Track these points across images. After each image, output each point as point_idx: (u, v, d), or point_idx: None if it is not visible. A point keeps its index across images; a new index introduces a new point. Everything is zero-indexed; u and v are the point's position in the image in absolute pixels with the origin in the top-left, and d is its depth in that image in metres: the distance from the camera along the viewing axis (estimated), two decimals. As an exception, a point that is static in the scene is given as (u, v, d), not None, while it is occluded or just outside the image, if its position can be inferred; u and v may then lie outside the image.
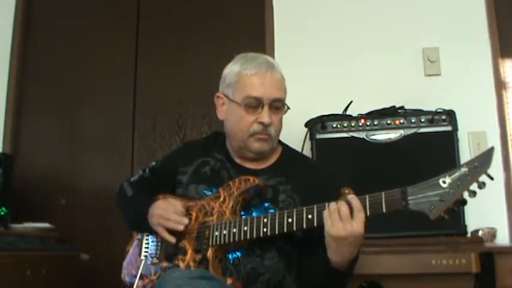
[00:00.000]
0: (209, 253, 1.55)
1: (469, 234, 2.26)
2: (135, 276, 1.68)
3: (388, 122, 2.38)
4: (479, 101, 2.64)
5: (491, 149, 1.30)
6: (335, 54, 2.80)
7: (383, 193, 1.37)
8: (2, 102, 3.03)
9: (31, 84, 3.12)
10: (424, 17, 2.77)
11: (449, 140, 2.34)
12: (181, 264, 1.57)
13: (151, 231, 1.68)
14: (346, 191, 1.50)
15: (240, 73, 1.67)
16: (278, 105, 1.67)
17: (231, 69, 1.71)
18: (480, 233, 2.30)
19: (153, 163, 1.90)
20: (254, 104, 1.64)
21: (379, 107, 2.44)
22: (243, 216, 1.59)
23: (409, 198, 1.34)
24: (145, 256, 1.71)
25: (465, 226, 2.25)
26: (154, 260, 1.67)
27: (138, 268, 1.68)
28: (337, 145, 2.38)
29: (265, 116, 1.63)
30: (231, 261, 1.56)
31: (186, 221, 1.59)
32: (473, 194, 1.29)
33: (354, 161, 2.33)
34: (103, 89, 3.07)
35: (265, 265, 1.56)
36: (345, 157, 2.34)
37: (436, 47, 2.72)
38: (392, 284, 2.06)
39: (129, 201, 1.82)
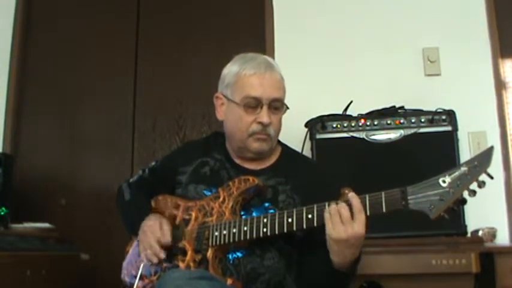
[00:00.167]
0: (209, 253, 1.55)
1: (469, 234, 2.26)
2: (135, 277, 1.68)
3: (388, 122, 2.38)
4: (479, 101, 2.64)
5: (491, 148, 1.30)
6: (335, 54, 2.80)
7: (383, 193, 1.37)
8: (2, 102, 3.03)
9: (31, 84, 3.12)
10: (424, 17, 2.77)
11: (449, 140, 2.33)
12: (181, 265, 1.56)
13: None
14: (346, 191, 1.50)
15: (238, 73, 1.67)
16: (277, 105, 1.67)
17: (230, 70, 1.71)
18: (480, 233, 2.30)
19: (153, 163, 1.90)
20: (253, 104, 1.64)
21: (379, 107, 2.43)
22: (243, 217, 1.59)
23: (409, 197, 1.34)
24: (146, 256, 1.71)
25: (465, 226, 2.24)
26: (154, 260, 1.66)
27: (138, 268, 1.68)
28: (337, 145, 2.38)
29: (264, 116, 1.63)
30: (231, 262, 1.56)
31: (162, 255, 1.57)
32: (473, 193, 1.29)
33: (354, 161, 2.33)
34: (103, 89, 3.07)
35: (265, 265, 1.55)
36: (345, 157, 2.34)
37: (436, 47, 2.72)
38: (392, 284, 2.06)
39: (126, 206, 1.82)
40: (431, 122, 2.36)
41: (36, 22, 3.19)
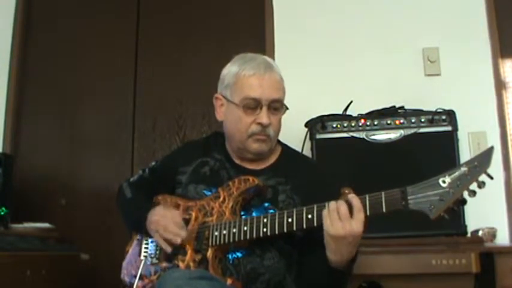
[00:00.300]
0: (209, 253, 1.55)
1: (469, 234, 2.26)
2: (135, 277, 1.68)
3: (388, 122, 2.38)
4: (479, 101, 2.64)
5: (491, 149, 1.30)
6: (335, 54, 2.80)
7: (383, 193, 1.37)
8: (2, 102, 3.03)
9: (31, 84, 3.12)
10: (424, 17, 2.77)
11: (449, 140, 2.33)
12: (181, 265, 1.57)
13: (149, 235, 1.69)
14: (346, 191, 1.50)
15: (238, 74, 1.67)
16: (277, 106, 1.67)
17: (229, 70, 1.71)
18: (480, 233, 2.30)
19: (153, 163, 1.90)
20: (252, 105, 1.64)
21: (379, 107, 2.43)
22: (243, 216, 1.59)
23: (409, 197, 1.34)
24: (145, 256, 1.71)
25: (465, 226, 2.24)
26: (154, 260, 1.67)
27: (138, 268, 1.68)
28: (337, 145, 2.38)
29: (263, 116, 1.63)
30: (231, 262, 1.56)
31: (183, 234, 1.59)
32: (473, 193, 1.29)
33: (354, 161, 2.33)
34: (103, 89, 3.07)
35: (265, 265, 1.55)
36: (345, 157, 2.34)
37: (436, 47, 2.72)
38: (392, 284, 2.05)
39: (128, 204, 1.82)
40: (431, 122, 2.36)
41: (36, 22, 3.19)
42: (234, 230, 1.53)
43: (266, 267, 1.55)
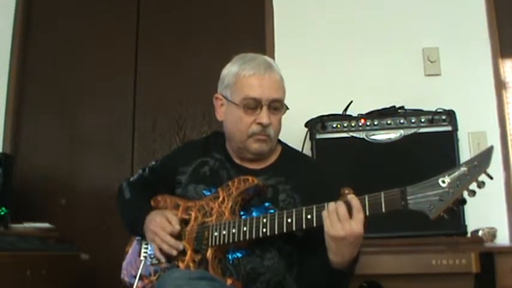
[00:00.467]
0: (208, 253, 1.55)
1: (469, 234, 2.26)
2: (135, 277, 1.68)
3: (388, 122, 2.38)
4: (479, 101, 2.64)
5: (491, 148, 1.30)
6: (335, 54, 2.80)
7: (382, 193, 1.37)
8: (2, 102, 3.03)
9: (31, 84, 3.12)
10: (424, 17, 2.77)
11: (449, 140, 2.33)
12: (181, 265, 1.57)
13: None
14: (346, 191, 1.50)
15: (238, 74, 1.67)
16: (277, 106, 1.67)
17: (230, 70, 1.71)
18: (480, 233, 2.30)
19: (153, 163, 1.90)
20: (253, 105, 1.64)
21: (379, 107, 2.43)
22: (243, 217, 1.59)
23: (408, 198, 1.34)
24: (145, 257, 1.71)
25: (465, 226, 2.24)
26: (154, 261, 1.67)
27: (138, 269, 1.68)
28: (337, 145, 2.38)
29: (264, 116, 1.63)
30: (231, 262, 1.56)
31: (181, 246, 1.59)
32: (472, 193, 1.28)
33: (354, 161, 2.33)
34: (103, 89, 3.07)
35: (265, 265, 1.55)
36: (345, 157, 2.33)
37: (436, 47, 2.72)
38: (392, 284, 2.05)
39: (126, 205, 1.82)
40: (431, 122, 2.36)
41: (36, 22, 3.19)
42: (234, 230, 1.53)
43: (266, 267, 1.55)
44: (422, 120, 2.36)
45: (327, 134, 2.40)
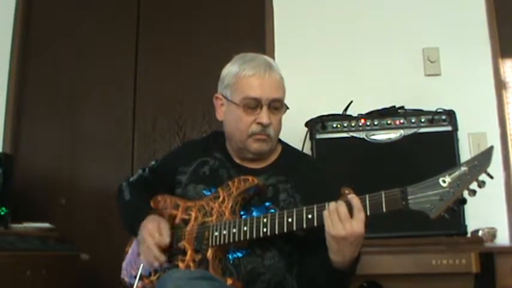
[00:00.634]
0: (209, 253, 1.55)
1: (469, 234, 2.26)
2: (135, 277, 1.68)
3: (388, 122, 2.38)
4: (479, 101, 2.64)
5: (491, 148, 1.30)
6: (335, 54, 2.80)
7: (383, 193, 1.37)
8: (2, 102, 3.02)
9: (31, 84, 3.12)
10: (424, 17, 2.77)
11: (450, 140, 2.33)
12: (181, 265, 1.57)
13: None
14: (346, 191, 1.50)
15: (238, 74, 1.67)
16: (277, 106, 1.67)
17: (229, 70, 1.71)
18: (480, 233, 2.30)
19: (153, 162, 1.90)
20: (253, 105, 1.64)
21: (379, 107, 2.43)
22: (243, 216, 1.59)
23: (409, 197, 1.34)
24: (145, 256, 1.71)
25: (465, 226, 2.24)
26: (154, 261, 1.66)
27: (138, 269, 1.68)
28: (337, 145, 2.38)
29: (264, 116, 1.63)
30: (231, 262, 1.56)
31: (163, 259, 1.58)
32: (473, 193, 1.29)
33: (354, 161, 2.33)
34: (103, 89, 3.07)
35: (265, 265, 1.55)
36: (345, 157, 2.34)
37: (436, 47, 2.72)
38: (392, 284, 2.06)
39: (126, 206, 1.82)
40: (431, 122, 2.36)
41: (36, 22, 3.18)
42: (234, 230, 1.53)
43: (266, 267, 1.55)
44: (422, 120, 2.36)
45: (327, 134, 2.40)
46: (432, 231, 2.14)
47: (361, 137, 2.38)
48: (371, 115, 2.41)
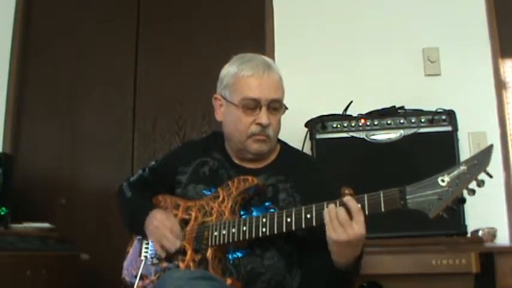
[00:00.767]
0: (208, 253, 1.55)
1: (469, 234, 2.26)
2: (136, 277, 1.68)
3: (388, 122, 2.38)
4: (479, 101, 2.64)
5: (491, 147, 1.29)
6: (335, 55, 2.80)
7: (381, 192, 1.37)
8: (2, 102, 3.02)
9: (31, 84, 3.12)
10: (424, 17, 2.76)
11: (450, 140, 2.33)
12: (181, 265, 1.57)
13: (147, 237, 1.70)
14: (347, 191, 1.50)
15: (237, 74, 1.67)
16: (276, 106, 1.67)
17: (228, 71, 1.71)
18: (480, 233, 2.30)
19: (153, 163, 1.90)
20: (252, 105, 1.64)
21: (379, 107, 2.43)
22: (243, 216, 1.59)
23: (407, 197, 1.33)
24: (145, 257, 1.71)
25: (465, 226, 2.24)
26: (155, 261, 1.67)
27: (139, 268, 1.68)
28: (337, 145, 2.37)
29: (263, 117, 1.63)
30: (231, 262, 1.56)
31: (178, 244, 1.60)
32: (472, 192, 1.28)
33: (354, 161, 2.33)
34: (103, 89, 3.07)
35: (265, 265, 1.55)
36: (345, 157, 2.33)
37: (436, 47, 2.72)
38: (392, 284, 2.05)
39: (127, 205, 1.83)
40: (431, 122, 2.35)
41: (36, 22, 3.18)
42: (234, 230, 1.53)
43: (266, 267, 1.55)
44: (422, 120, 2.36)
45: (327, 134, 2.40)
46: (432, 231, 2.14)
47: (361, 137, 2.38)
48: (371, 115, 2.41)
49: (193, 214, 1.64)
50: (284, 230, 1.47)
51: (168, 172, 1.79)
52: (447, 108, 2.38)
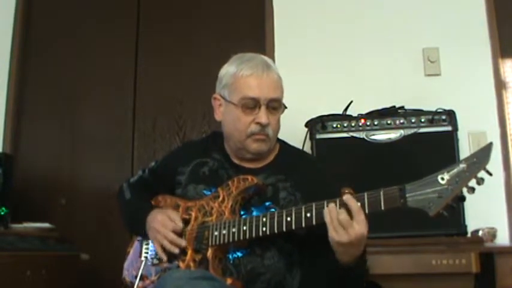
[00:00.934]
0: (209, 253, 1.55)
1: (469, 234, 2.26)
2: (136, 277, 1.68)
3: (388, 122, 2.38)
4: (479, 101, 2.64)
5: (490, 145, 1.29)
6: (335, 54, 2.80)
7: (381, 191, 1.37)
8: (2, 102, 3.03)
9: (31, 84, 3.12)
10: (424, 17, 2.77)
11: (450, 140, 2.33)
12: (181, 265, 1.57)
13: (148, 237, 1.69)
14: (347, 191, 1.49)
15: (236, 74, 1.66)
16: (275, 105, 1.66)
17: (227, 70, 1.70)
18: (480, 233, 2.30)
19: (153, 163, 1.90)
20: (251, 105, 1.64)
21: (379, 107, 2.43)
22: (243, 216, 1.59)
23: (407, 195, 1.33)
24: (146, 257, 1.71)
25: (465, 226, 2.24)
26: (155, 261, 1.67)
27: (139, 269, 1.68)
28: (337, 145, 2.38)
29: (262, 116, 1.63)
30: (231, 261, 1.56)
31: (183, 243, 1.60)
32: (471, 190, 1.28)
33: (354, 161, 2.33)
34: (103, 89, 3.07)
35: (265, 265, 1.55)
36: (345, 157, 2.33)
37: (436, 47, 2.72)
38: (392, 284, 2.05)
39: (127, 206, 1.83)
40: (431, 122, 2.35)
41: (36, 22, 3.19)
42: (234, 230, 1.53)
43: (266, 267, 1.55)
44: (422, 120, 2.36)
45: (327, 134, 2.40)
46: (432, 231, 2.14)
47: (361, 137, 2.38)
48: (371, 115, 2.41)
49: (193, 214, 1.64)
50: (284, 229, 1.47)
51: (168, 173, 1.79)
52: (447, 108, 2.38)
